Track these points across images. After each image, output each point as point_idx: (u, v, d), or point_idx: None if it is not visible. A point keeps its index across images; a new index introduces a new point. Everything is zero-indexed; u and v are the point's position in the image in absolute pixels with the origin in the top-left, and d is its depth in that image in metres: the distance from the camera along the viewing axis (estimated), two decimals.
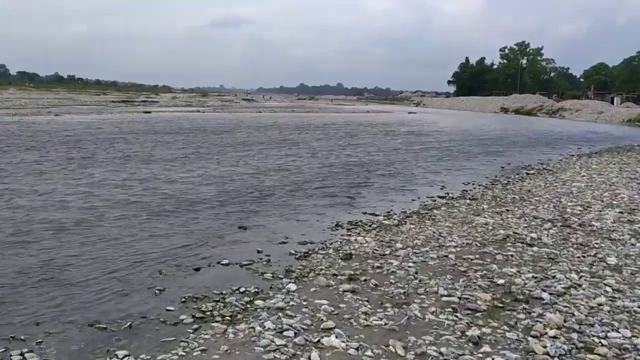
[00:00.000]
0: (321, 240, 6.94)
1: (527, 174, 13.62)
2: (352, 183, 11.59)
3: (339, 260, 5.87)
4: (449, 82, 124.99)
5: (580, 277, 5.19)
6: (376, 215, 8.50)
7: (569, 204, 9.06)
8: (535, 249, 6.25)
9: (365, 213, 8.65)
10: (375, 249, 6.26)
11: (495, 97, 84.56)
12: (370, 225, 7.72)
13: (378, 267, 5.57)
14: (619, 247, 6.30)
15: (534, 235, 6.87)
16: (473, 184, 11.85)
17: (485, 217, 8.05)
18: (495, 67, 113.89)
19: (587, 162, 16.20)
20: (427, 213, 8.53)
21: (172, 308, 4.57)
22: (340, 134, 25.62)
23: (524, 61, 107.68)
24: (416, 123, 38.62)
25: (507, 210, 8.54)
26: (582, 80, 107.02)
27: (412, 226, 7.56)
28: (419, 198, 10.10)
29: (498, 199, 9.73)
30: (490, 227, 7.33)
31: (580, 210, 8.51)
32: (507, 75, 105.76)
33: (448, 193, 10.61)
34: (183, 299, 4.77)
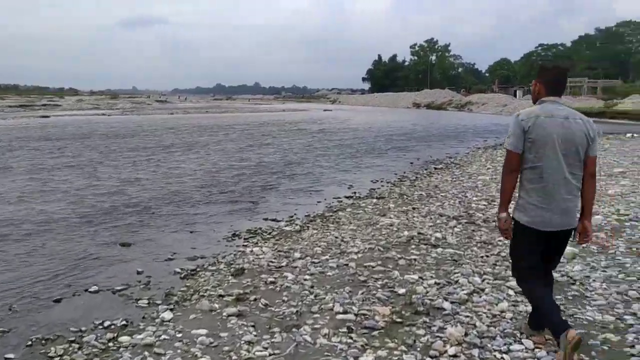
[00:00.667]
0: (214, 253, 6.27)
1: (435, 168, 13.63)
2: (256, 186, 10.94)
3: (230, 277, 5.25)
4: (364, 79, 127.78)
5: (484, 280, 4.90)
6: (278, 221, 7.94)
7: (474, 198, 8.96)
8: (439, 250, 5.95)
9: (266, 219, 8.07)
10: (271, 261, 5.68)
11: (407, 93, 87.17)
12: (269, 233, 7.14)
13: (272, 283, 5.01)
14: None
15: (438, 235, 6.59)
16: (381, 182, 11.59)
17: (390, 217, 7.71)
18: (406, 63, 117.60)
19: (492, 155, 16.55)
20: (331, 216, 8.08)
21: (12, 356, 3.73)
22: (251, 134, 24.92)
23: (433, 57, 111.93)
24: (330, 121, 38.61)
25: (414, 209, 8.27)
26: (487, 75, 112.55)
27: (314, 231, 7.06)
28: (325, 199, 9.64)
29: (405, 196, 9.48)
30: (395, 229, 6.98)
31: (485, 205, 8.40)
32: (418, 72, 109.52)
33: (355, 192, 10.25)
34: (29, 342, 3.93)
